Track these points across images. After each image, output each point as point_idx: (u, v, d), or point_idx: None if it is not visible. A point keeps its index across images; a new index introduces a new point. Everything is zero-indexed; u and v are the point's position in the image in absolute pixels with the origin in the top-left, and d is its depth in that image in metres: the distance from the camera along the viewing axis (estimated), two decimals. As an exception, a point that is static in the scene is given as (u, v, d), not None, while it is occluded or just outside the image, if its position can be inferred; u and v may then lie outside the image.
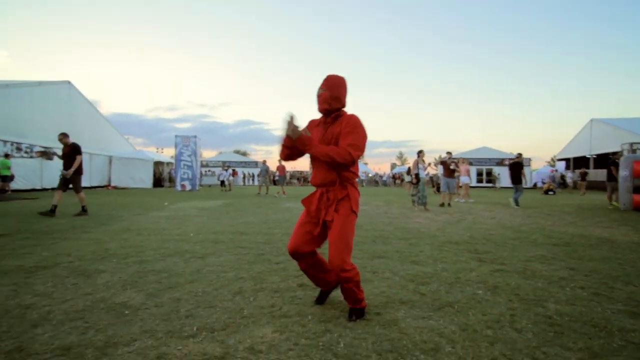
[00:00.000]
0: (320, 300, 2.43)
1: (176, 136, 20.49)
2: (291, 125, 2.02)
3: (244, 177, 34.89)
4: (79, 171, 7.50)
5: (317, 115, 2.35)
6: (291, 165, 49.88)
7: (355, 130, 2.13)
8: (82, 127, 20.82)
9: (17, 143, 15.96)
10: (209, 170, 33.36)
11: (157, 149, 53.38)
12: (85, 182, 20.66)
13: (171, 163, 27.53)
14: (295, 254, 2.21)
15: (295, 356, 1.70)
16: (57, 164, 18.81)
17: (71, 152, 7.43)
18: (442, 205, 10.20)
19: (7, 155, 14.80)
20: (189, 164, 20.34)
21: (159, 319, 2.13)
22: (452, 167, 10.66)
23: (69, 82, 20.11)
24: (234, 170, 28.13)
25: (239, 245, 4.37)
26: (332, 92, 2.18)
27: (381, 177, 42.02)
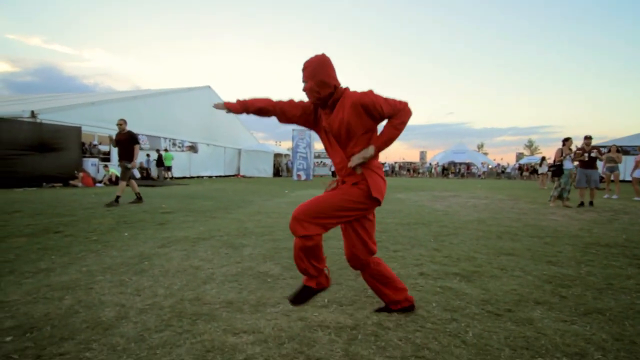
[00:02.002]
0: (296, 297, 1.98)
1: (293, 130, 22.20)
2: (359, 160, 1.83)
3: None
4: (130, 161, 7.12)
5: None
6: (400, 157, 48.65)
7: (381, 100, 1.79)
8: (219, 124, 24.29)
9: (172, 139, 19.60)
10: (321, 162, 35.21)
11: (276, 142, 58.52)
12: (219, 171, 24.26)
13: (288, 155, 29.99)
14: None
15: (423, 337, 1.77)
16: (202, 156, 22.45)
17: (129, 141, 7.10)
18: (582, 204, 8.12)
19: (166, 150, 18.31)
20: (304, 155, 21.86)
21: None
22: (593, 154, 8.42)
23: (209, 87, 23.63)
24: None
25: (355, 232, 4.57)
26: (316, 79, 1.85)
27: (504, 168, 37.68)
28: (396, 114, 1.80)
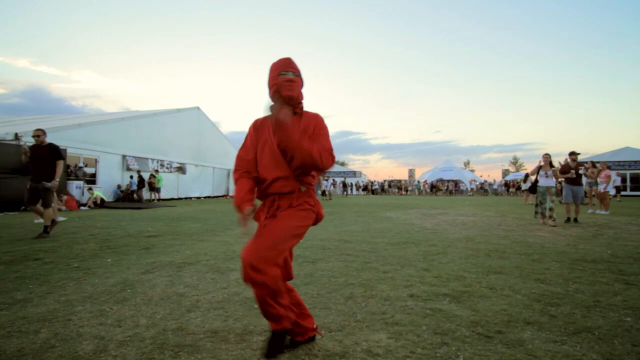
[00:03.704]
0: (271, 348, 1.79)
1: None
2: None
3: (344, 187, 35.75)
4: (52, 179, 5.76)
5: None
6: (389, 175, 49.06)
7: (326, 132, 1.79)
8: (208, 144, 24.25)
9: (160, 160, 19.43)
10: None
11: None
12: (208, 191, 24.02)
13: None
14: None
15: (413, 364, 1.73)
16: (190, 176, 22.24)
17: (49, 155, 5.82)
18: (568, 220, 8.30)
19: (156, 171, 18.13)
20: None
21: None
22: (581, 171, 8.55)
23: (198, 108, 23.70)
24: (334, 180, 29.08)
25: (344, 252, 4.54)
26: (302, 80, 1.84)
27: (491, 185, 38.28)
28: (325, 149, 1.73)
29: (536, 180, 8.07)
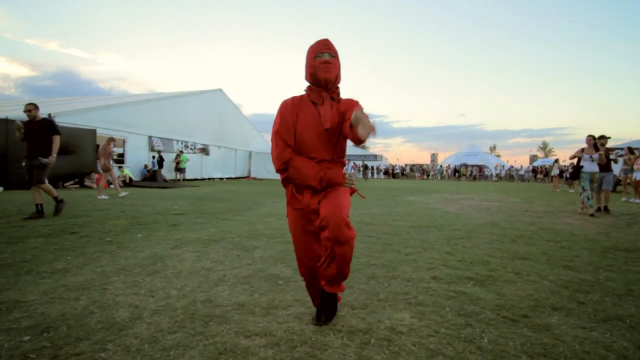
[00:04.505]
0: (330, 312, 1.92)
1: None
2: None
3: (365, 169, 35.54)
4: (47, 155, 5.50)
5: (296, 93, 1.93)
6: (410, 159, 48.33)
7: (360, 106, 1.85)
8: (230, 127, 24.52)
9: (184, 141, 19.85)
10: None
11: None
12: (231, 173, 24.45)
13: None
14: (312, 269, 1.89)
15: (437, 342, 1.74)
16: (213, 158, 22.66)
17: (44, 130, 5.59)
18: (599, 209, 7.58)
19: (181, 152, 18.57)
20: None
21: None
22: (612, 156, 7.86)
23: (221, 90, 23.87)
24: (354, 163, 28.94)
25: (366, 234, 4.55)
26: (339, 62, 1.85)
27: (517, 171, 37.06)
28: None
29: (579, 165, 7.29)
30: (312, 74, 1.80)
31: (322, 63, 1.77)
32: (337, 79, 1.83)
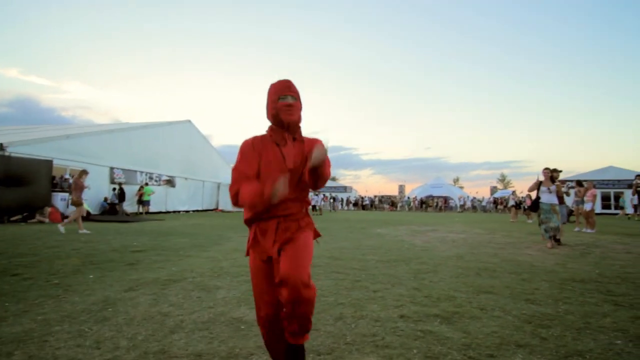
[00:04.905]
0: None
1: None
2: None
3: (333, 201, 35.71)
4: None
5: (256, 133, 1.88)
6: (379, 190, 49.34)
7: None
8: (198, 158, 24.08)
9: (149, 173, 19.19)
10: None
11: (256, 175, 58.04)
12: (198, 205, 23.73)
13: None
14: (272, 315, 1.75)
15: (404, 390, 1.67)
16: (180, 190, 21.94)
17: None
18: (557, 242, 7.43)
19: (146, 184, 17.88)
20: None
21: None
22: (563, 189, 7.98)
23: (189, 121, 23.63)
24: (324, 195, 29.07)
25: (335, 270, 4.48)
26: (301, 104, 1.85)
27: (480, 202, 38.67)
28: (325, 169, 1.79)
29: (537, 198, 7.36)
30: (275, 116, 1.79)
31: (285, 106, 1.76)
32: (299, 119, 1.84)
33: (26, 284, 3.52)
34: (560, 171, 8.21)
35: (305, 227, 1.81)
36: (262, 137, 1.85)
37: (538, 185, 7.42)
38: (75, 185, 8.63)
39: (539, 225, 7.41)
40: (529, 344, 2.23)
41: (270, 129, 1.85)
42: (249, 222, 1.87)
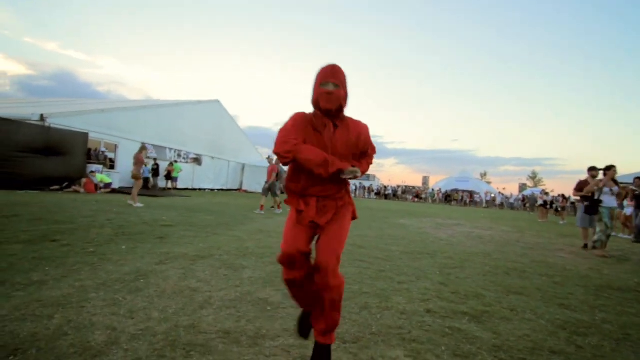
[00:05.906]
0: (304, 328, 1.93)
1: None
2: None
3: (355, 189, 35.53)
4: None
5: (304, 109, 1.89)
6: (402, 180, 48.60)
7: (373, 149, 2.00)
8: (225, 138, 24.42)
9: (178, 150, 19.67)
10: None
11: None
12: (222, 185, 24.21)
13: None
14: (293, 255, 1.70)
15: (433, 387, 1.64)
16: (206, 168, 22.41)
17: None
18: (585, 247, 6.97)
19: (175, 161, 18.38)
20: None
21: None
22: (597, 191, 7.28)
23: (218, 101, 23.89)
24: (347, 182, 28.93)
25: (358, 258, 4.45)
26: (345, 90, 1.80)
27: (507, 198, 37.41)
28: (370, 156, 2.00)
29: (597, 200, 6.40)
30: (315, 102, 1.79)
31: (325, 94, 1.75)
32: (340, 107, 1.80)
33: (64, 250, 3.69)
34: (600, 169, 7.40)
35: (342, 208, 1.85)
36: (311, 118, 1.83)
37: (597, 184, 6.50)
38: (136, 160, 9.03)
39: (601, 232, 6.35)
40: (564, 351, 2.14)
41: (313, 113, 1.82)
42: (292, 195, 1.87)
